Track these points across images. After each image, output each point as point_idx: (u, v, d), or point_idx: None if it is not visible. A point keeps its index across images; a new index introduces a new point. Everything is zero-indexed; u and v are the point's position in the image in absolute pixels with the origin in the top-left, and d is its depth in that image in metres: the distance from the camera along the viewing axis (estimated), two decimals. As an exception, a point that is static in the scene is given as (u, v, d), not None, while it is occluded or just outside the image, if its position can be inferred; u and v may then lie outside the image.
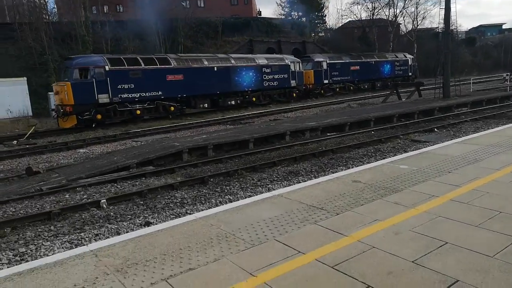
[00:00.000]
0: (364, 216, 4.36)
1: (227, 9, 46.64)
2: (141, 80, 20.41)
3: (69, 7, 36.37)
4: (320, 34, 63.86)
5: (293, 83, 28.46)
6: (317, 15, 62.04)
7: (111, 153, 12.85)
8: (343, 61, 33.89)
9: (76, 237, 6.07)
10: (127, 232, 6.12)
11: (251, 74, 25.83)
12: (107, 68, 19.28)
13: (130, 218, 6.85)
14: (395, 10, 56.63)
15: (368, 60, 36.38)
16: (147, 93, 20.77)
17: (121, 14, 41.88)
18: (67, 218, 6.91)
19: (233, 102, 24.89)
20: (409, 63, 40.10)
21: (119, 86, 19.65)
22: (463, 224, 4.02)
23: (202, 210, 6.95)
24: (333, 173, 8.57)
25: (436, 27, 45.33)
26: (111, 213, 7.07)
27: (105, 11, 42.51)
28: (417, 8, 56.90)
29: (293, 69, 28.37)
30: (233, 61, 25.03)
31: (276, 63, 27.58)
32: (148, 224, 6.50)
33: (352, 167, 9.23)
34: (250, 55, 28.95)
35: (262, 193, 7.72)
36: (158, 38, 35.60)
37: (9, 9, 37.74)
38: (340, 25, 63.53)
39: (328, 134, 14.65)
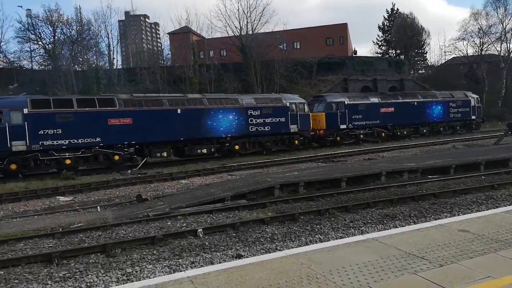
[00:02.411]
0: (473, 271, 3.90)
1: (322, 49, 47.57)
2: (72, 125, 17.35)
3: (181, 53, 40.96)
4: (420, 71, 60.97)
5: (293, 128, 23.58)
6: (417, 52, 59.59)
7: (209, 185, 13.67)
8: (369, 101, 28.11)
9: (174, 262, 6.49)
10: (219, 262, 6.37)
11: (231, 117, 21.63)
12: (25, 111, 16.54)
13: (223, 249, 7.11)
14: (508, 45, 51.55)
15: (408, 100, 30.09)
16: (79, 140, 17.54)
17: (224, 57, 45.57)
18: (168, 244, 7.45)
19: (204, 151, 20.76)
20: (472, 104, 33.28)
21: (41, 132, 16.77)
22: None
23: (292, 247, 6.92)
24: (435, 219, 7.90)
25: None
26: (206, 243, 7.43)
27: (211, 55, 46.73)
28: (536, 41, 50.89)
29: (293, 111, 23.64)
30: (205, 102, 21.22)
31: (268, 104, 23.06)
32: (239, 256, 6.68)
33: (458, 215, 8.40)
34: (232, 95, 25.10)
35: (354, 235, 7.44)
36: (256, 79, 37.64)
37: (133, 56, 44.01)
38: (443, 61, 59.88)
39: (430, 176, 13.57)
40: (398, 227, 7.61)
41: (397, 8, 60.41)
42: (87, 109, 17.97)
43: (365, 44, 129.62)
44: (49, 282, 5.86)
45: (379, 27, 61.52)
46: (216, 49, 47.39)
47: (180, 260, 6.57)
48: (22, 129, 16.45)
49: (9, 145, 16.24)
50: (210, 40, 47.27)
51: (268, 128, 22.77)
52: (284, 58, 39.93)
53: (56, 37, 37.92)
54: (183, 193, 12.55)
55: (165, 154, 19.85)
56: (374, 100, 28.57)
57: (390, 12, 60.46)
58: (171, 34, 51.04)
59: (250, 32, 40.42)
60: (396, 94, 31.74)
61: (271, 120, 22.90)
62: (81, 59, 39.73)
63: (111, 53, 41.82)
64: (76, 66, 38.77)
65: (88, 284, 5.75)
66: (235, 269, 4.24)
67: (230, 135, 21.65)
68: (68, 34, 38.41)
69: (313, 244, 6.93)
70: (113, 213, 10.25)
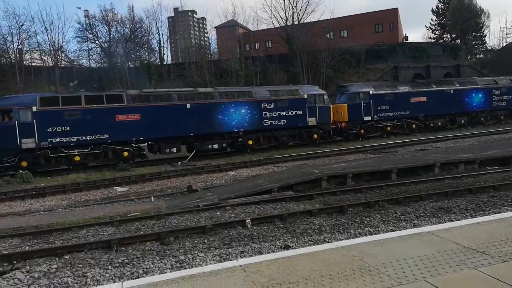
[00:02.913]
0: (541, 268, 3.64)
1: (371, 37, 45.86)
2: (80, 122, 17.49)
3: (227, 46, 41.46)
4: (478, 56, 57.05)
5: (311, 121, 22.41)
6: (474, 35, 55.75)
7: (255, 176, 13.84)
8: (397, 91, 26.04)
9: (224, 252, 6.66)
10: (268, 252, 6.44)
11: (243, 111, 20.88)
12: (34, 108, 16.84)
13: (271, 240, 7.19)
14: None
15: (443, 88, 27.59)
16: (87, 137, 17.61)
17: (269, 49, 45.47)
18: (218, 233, 7.66)
19: (216, 146, 20.24)
20: None
21: (49, 129, 17.00)
22: None
23: (340, 239, 6.84)
24: (495, 213, 7.45)
25: None
26: (255, 233, 7.55)
27: (257, 47, 46.84)
28: None
29: (311, 104, 22.43)
30: (217, 96, 20.60)
31: (284, 97, 22.07)
32: (287, 247, 6.71)
33: (521, 209, 7.85)
34: (246, 87, 24.09)
35: (406, 228, 7.22)
36: (301, 70, 37.22)
37: (182, 51, 45.28)
38: (505, 45, 55.50)
39: (488, 168, 12.78)
40: (454, 221, 7.27)
41: (453, -11, 56.76)
42: (95, 105, 18.01)
43: (417, 29, 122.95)
44: (109, 267, 6.26)
45: (432, 10, 58.30)
46: (261, 41, 47.35)
47: (230, 249, 6.74)
48: (31, 126, 16.78)
49: (19, 143, 16.64)
50: (255, 32, 47.31)
51: (283, 121, 21.87)
52: (330, 47, 39.05)
53: (111, 36, 39.95)
54: (231, 184, 12.81)
55: (174, 150, 19.53)
56: (403, 89, 26.45)
57: (444, -6, 56.99)
58: (218, 28, 51.80)
59: (296, 22, 39.91)
60: (429, 82, 29.21)
61: (287, 113, 21.92)
62: (133, 56, 41.51)
63: (161, 49, 43.32)
64: (129, 63, 40.59)
65: (145, 270, 6.07)
66: (286, 259, 4.28)
67: (243, 130, 20.97)
68: (122, 32, 40.31)
69: (362, 236, 6.81)
70: (166, 203, 10.71)
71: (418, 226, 7.33)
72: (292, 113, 22.01)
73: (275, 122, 21.70)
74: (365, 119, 24.85)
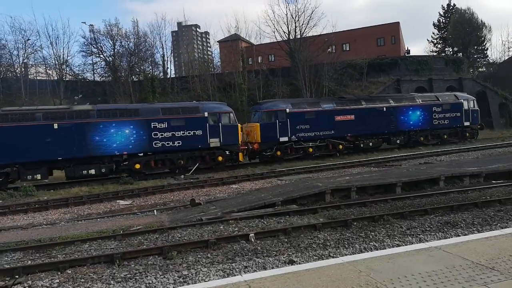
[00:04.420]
0: (553, 285, 3.56)
1: (373, 50, 46.20)
2: None
3: (230, 60, 41.84)
4: (480, 69, 57.33)
5: (213, 142, 20.00)
6: (476, 49, 56.12)
7: (259, 190, 13.77)
8: (319, 109, 23.59)
9: (228, 266, 6.58)
10: (272, 267, 6.36)
11: (127, 131, 18.44)
12: None
13: (276, 254, 7.10)
14: None
15: (375, 106, 25.02)
16: None
17: (272, 63, 45.81)
18: (221, 247, 7.57)
19: (93, 171, 17.80)
20: (464, 108, 27.34)
21: None
22: None
23: (346, 254, 6.75)
24: (502, 227, 7.37)
25: None
26: (258, 247, 7.46)
27: (259, 61, 47.21)
28: None
29: (214, 123, 20.18)
30: (93, 115, 18.21)
31: (180, 116, 19.74)
32: (292, 262, 6.63)
33: (529, 223, 7.75)
34: (133, 105, 22.23)
35: (412, 243, 7.13)
36: (304, 83, 37.43)
37: (185, 65, 45.70)
38: (507, 58, 55.78)
39: (494, 181, 12.68)
40: (460, 236, 7.19)
41: (454, 4, 57.49)
42: None
43: (419, 43, 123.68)
44: (112, 282, 6.18)
45: (434, 24, 59.02)
46: (264, 54, 47.74)
47: (233, 264, 6.65)
48: None
49: None
50: (258, 46, 47.75)
51: (179, 143, 19.42)
52: (333, 61, 39.34)
53: (115, 50, 40.46)
54: (234, 197, 12.75)
55: (39, 176, 17.09)
56: (327, 106, 23.99)
57: (446, 8, 57.65)
58: (221, 42, 52.33)
59: (299, 36, 40.29)
60: (358, 98, 26.37)
61: (183, 133, 19.52)
62: (137, 70, 41.94)
63: (165, 63, 43.77)
64: (133, 76, 40.97)
65: (148, 285, 5.99)
66: (291, 274, 4.22)
67: (127, 153, 18.58)
68: (126, 47, 40.82)
69: (368, 251, 6.72)
70: (169, 216, 10.64)
71: (424, 240, 7.25)
72: (189, 133, 19.67)
73: (168, 144, 19.23)
74: (281, 140, 22.41)
